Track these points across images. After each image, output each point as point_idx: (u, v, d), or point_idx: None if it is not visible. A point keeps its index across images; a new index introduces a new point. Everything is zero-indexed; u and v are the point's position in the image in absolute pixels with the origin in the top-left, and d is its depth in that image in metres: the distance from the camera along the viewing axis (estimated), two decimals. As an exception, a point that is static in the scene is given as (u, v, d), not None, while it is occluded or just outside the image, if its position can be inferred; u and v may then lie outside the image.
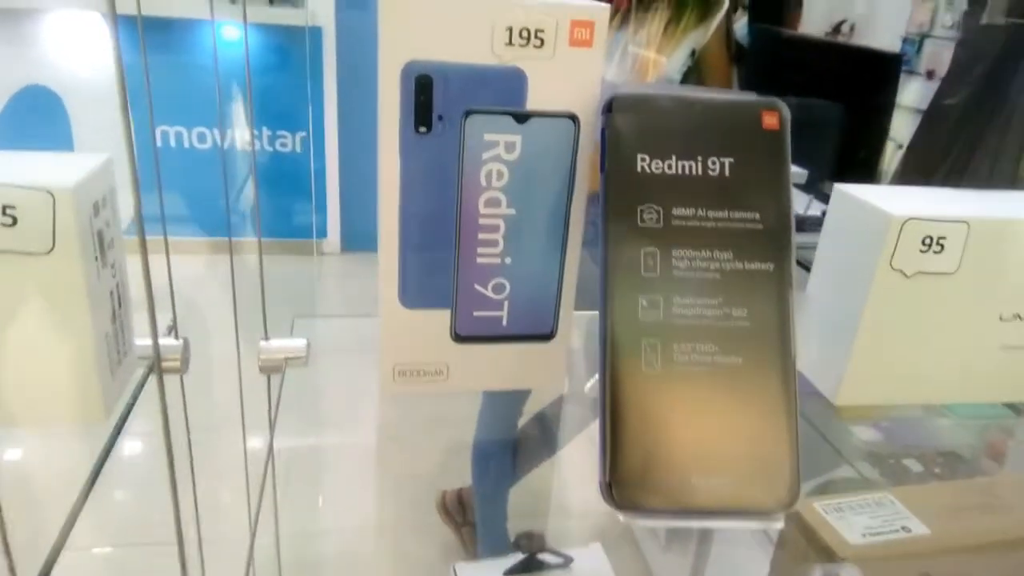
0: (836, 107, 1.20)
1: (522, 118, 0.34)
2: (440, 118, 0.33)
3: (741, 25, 1.35)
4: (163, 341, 0.37)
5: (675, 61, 1.17)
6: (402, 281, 0.36)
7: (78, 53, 2.20)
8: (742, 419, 0.30)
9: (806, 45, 1.54)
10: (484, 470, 0.79)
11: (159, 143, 2.33)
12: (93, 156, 0.33)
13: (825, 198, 0.42)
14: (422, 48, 0.32)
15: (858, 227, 0.38)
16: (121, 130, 0.22)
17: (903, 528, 0.45)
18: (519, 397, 0.65)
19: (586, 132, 0.35)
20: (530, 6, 0.32)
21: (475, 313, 0.37)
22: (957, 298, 0.38)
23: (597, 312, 0.31)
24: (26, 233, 0.29)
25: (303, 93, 2.38)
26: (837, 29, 2.58)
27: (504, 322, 0.38)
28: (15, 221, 0.29)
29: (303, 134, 2.42)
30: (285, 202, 2.50)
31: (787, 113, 0.33)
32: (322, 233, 2.56)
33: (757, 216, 0.32)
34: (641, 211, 0.31)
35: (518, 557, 0.49)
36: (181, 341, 0.37)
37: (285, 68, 2.36)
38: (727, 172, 0.32)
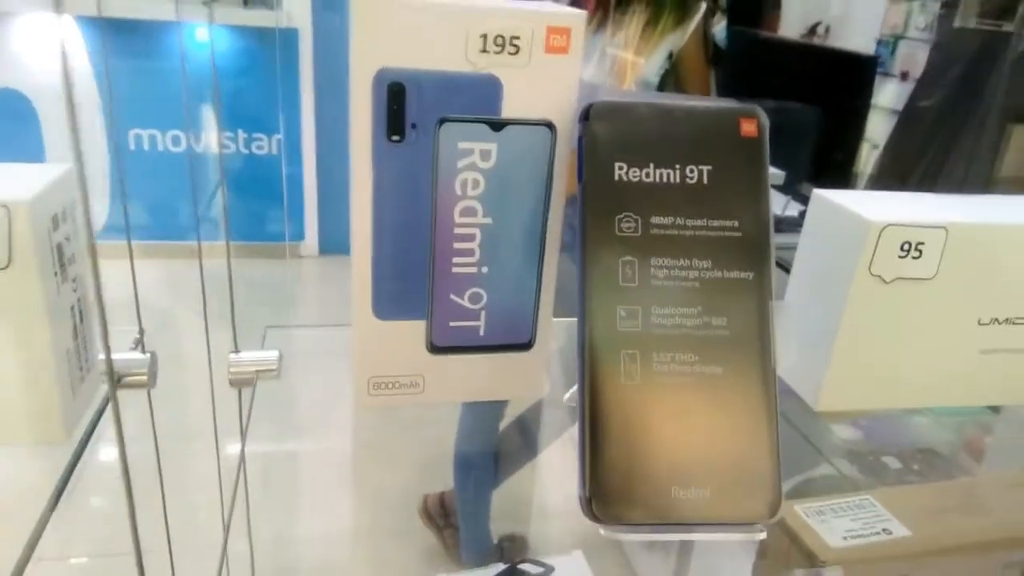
0: (813, 108, 1.21)
1: (498, 126, 0.33)
2: (414, 126, 0.33)
3: (720, 28, 1.36)
4: (129, 355, 0.36)
5: (653, 63, 1.18)
6: (376, 292, 0.35)
7: (49, 57, 2.16)
8: (723, 429, 0.30)
9: (783, 48, 1.55)
10: (466, 474, 0.78)
11: (132, 147, 2.30)
12: (54, 167, 0.32)
13: (802, 199, 0.42)
14: (394, 55, 0.31)
15: (837, 233, 0.38)
16: (68, 136, 0.21)
17: (884, 530, 0.45)
18: (499, 403, 0.64)
19: (563, 140, 0.34)
20: (505, 13, 0.32)
21: (451, 324, 0.37)
22: (936, 303, 0.38)
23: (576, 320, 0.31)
24: (-19, 248, 0.28)
25: (278, 95, 2.36)
26: (813, 31, 2.61)
27: (481, 332, 0.37)
28: (-30, 235, 0.28)
29: (279, 136, 2.40)
30: (261, 205, 2.47)
31: (765, 120, 0.32)
32: (299, 236, 2.54)
33: (736, 224, 0.31)
34: (619, 220, 0.31)
35: (499, 567, 0.49)
36: (148, 355, 0.36)
37: (260, 70, 2.34)
38: (705, 180, 0.31)
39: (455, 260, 0.35)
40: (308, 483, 0.60)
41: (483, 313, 0.37)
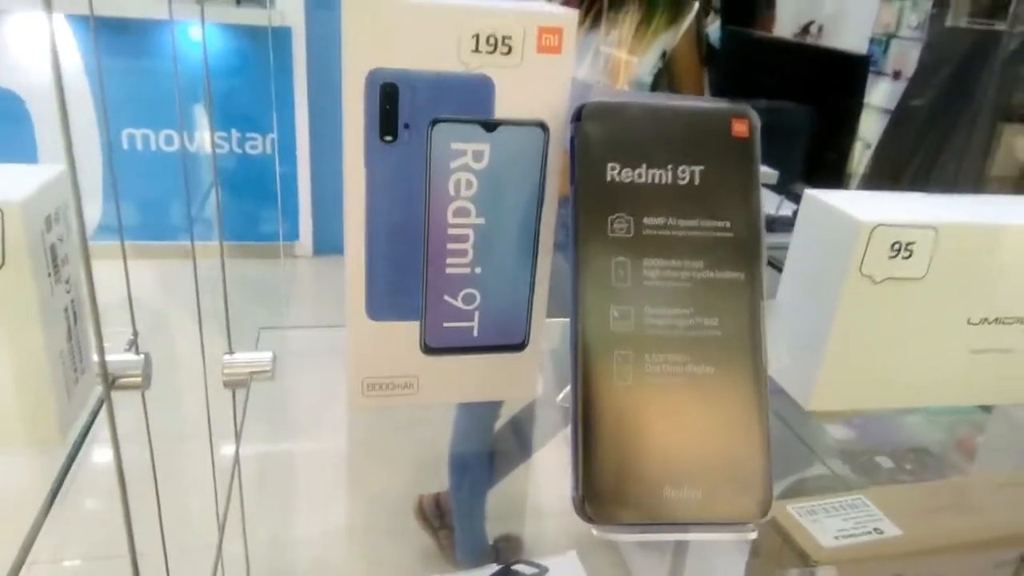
0: (806, 108, 1.21)
1: (490, 126, 0.33)
2: (406, 127, 0.33)
3: (714, 28, 1.36)
4: (123, 357, 0.36)
5: (646, 62, 1.18)
6: (369, 293, 0.35)
7: (41, 56, 2.15)
8: (715, 429, 0.30)
9: (776, 47, 1.55)
10: (461, 475, 0.78)
11: (125, 146, 2.29)
12: (47, 168, 0.32)
13: (795, 198, 0.43)
14: (387, 55, 0.31)
15: (828, 233, 0.38)
16: (61, 136, 0.21)
17: (876, 530, 0.46)
18: (495, 403, 0.64)
19: (555, 140, 0.34)
20: (497, 13, 0.32)
21: (445, 324, 0.37)
22: (926, 303, 0.38)
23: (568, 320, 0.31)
24: (-27, 250, 0.28)
25: (272, 94, 2.35)
26: (805, 30, 2.61)
27: (475, 333, 0.37)
28: (-38, 237, 0.28)
29: (273, 136, 2.39)
30: (255, 205, 2.47)
31: (757, 120, 0.32)
32: (294, 236, 2.53)
33: (728, 224, 0.32)
34: (611, 220, 0.31)
35: (493, 568, 0.49)
36: (142, 357, 0.36)
37: (253, 69, 2.33)
38: (697, 180, 0.32)
39: (449, 261, 0.35)
40: (303, 484, 0.60)
41: (477, 314, 0.37)
